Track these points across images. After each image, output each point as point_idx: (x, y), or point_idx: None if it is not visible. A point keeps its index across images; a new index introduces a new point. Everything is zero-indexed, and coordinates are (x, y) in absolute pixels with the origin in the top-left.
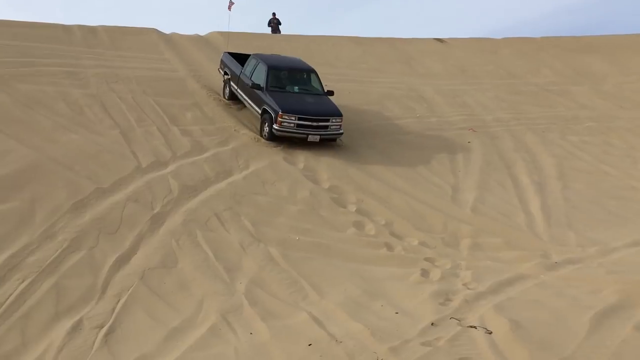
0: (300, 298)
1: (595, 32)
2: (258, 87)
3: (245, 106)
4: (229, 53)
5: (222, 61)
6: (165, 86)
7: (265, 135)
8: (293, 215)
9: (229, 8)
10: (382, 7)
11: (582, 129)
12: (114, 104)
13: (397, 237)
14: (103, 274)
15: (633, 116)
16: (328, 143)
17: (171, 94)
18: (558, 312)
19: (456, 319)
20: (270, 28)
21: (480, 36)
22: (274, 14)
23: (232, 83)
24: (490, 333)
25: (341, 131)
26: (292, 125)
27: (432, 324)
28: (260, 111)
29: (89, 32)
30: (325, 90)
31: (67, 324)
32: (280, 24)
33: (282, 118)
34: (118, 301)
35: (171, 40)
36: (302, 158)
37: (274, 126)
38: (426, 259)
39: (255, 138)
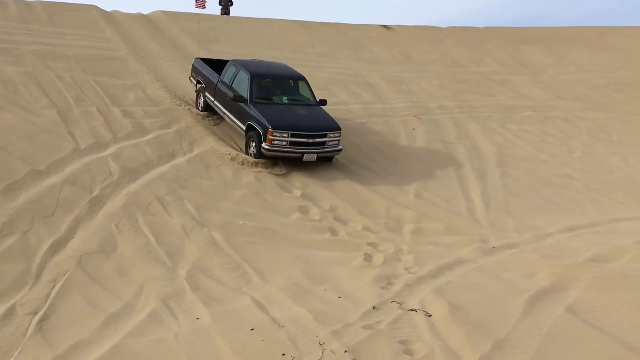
0: (243, 283)
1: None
2: (241, 99)
3: (224, 120)
4: (201, 59)
5: (193, 68)
6: (106, 66)
7: (252, 155)
8: (238, 199)
9: (203, 6)
10: None
11: (521, 118)
12: (51, 83)
13: (342, 222)
14: (38, 258)
15: (569, 107)
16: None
17: (112, 74)
18: (495, 295)
19: (397, 303)
20: (220, 8)
21: (427, 24)
22: None
23: (207, 94)
24: (430, 316)
25: (340, 147)
26: (284, 143)
27: (374, 307)
28: (244, 127)
29: (25, 8)
30: (318, 100)
31: None
32: (232, 4)
33: (273, 136)
34: (53, 287)
35: (113, 19)
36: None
37: (264, 145)
38: (370, 244)
39: (196, 117)
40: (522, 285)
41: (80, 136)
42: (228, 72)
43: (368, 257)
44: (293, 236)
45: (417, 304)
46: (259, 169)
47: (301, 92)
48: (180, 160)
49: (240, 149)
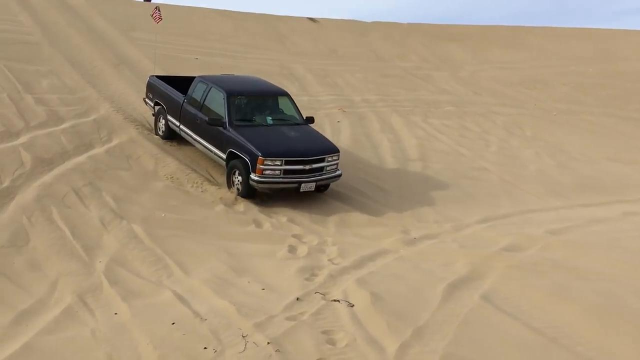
0: (164, 276)
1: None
2: (218, 122)
3: (190, 145)
4: (158, 77)
5: (149, 87)
6: (18, 50)
7: (237, 189)
8: (159, 191)
9: (156, 18)
10: None
11: (441, 112)
12: None
13: (266, 214)
14: None
15: (486, 102)
16: None
17: (25, 59)
18: (415, 284)
19: (321, 294)
20: None
21: (352, 18)
22: None
23: (169, 117)
24: (352, 306)
25: (339, 172)
26: (277, 172)
27: (297, 299)
28: (224, 156)
29: None
30: (304, 118)
31: None
32: None
33: (264, 164)
34: None
35: (26, 1)
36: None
37: (253, 177)
38: (294, 236)
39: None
40: (441, 275)
41: None
42: (196, 91)
43: (292, 249)
44: (216, 228)
45: (340, 294)
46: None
47: (285, 109)
48: (98, 150)
49: (212, 178)
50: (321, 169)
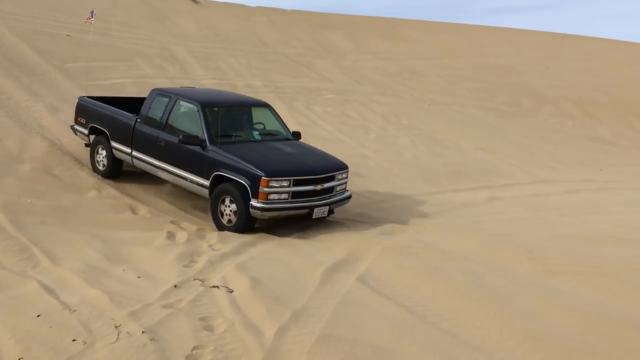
0: (30, 266)
1: (339, 11)
2: (195, 140)
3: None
4: (91, 97)
5: (81, 110)
6: None
7: (230, 222)
8: (25, 175)
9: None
10: None
11: (323, 100)
12: None
13: (142, 200)
14: None
15: (367, 91)
16: None
17: None
18: (294, 268)
19: (199, 280)
20: None
21: (235, 2)
22: None
23: (116, 144)
24: (232, 291)
25: (349, 193)
26: (285, 196)
27: (175, 286)
28: (206, 182)
29: None
30: (292, 132)
31: None
32: None
33: (268, 187)
34: None
35: None
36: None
37: (255, 203)
38: (172, 222)
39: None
40: (320, 258)
41: None
42: (154, 107)
43: (171, 235)
44: (89, 215)
45: (219, 280)
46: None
47: (269, 123)
48: None
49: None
50: (331, 189)
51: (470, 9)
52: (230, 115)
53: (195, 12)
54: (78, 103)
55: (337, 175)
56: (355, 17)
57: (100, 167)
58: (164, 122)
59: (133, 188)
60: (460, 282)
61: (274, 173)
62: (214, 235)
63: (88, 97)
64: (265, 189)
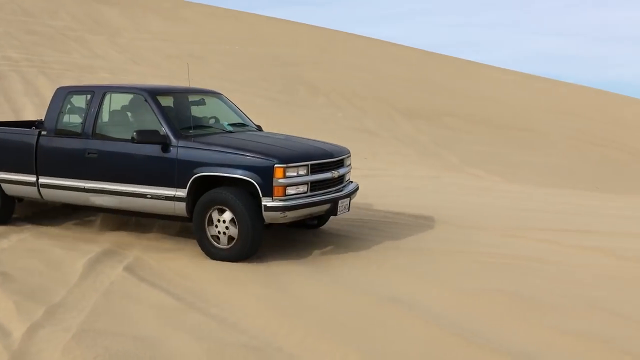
0: None
1: None
2: (154, 136)
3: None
4: None
5: None
6: None
7: (229, 243)
8: None
9: None
10: None
11: (97, 79)
12: None
13: None
14: None
15: (144, 72)
16: None
17: None
18: (53, 259)
19: None
20: None
21: None
22: None
23: (9, 176)
24: None
25: (356, 183)
26: (304, 188)
27: None
28: (182, 194)
29: None
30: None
31: None
32: None
33: (285, 177)
34: None
35: None
36: None
37: (270, 203)
38: None
39: None
40: (84, 248)
41: None
42: (70, 109)
43: None
44: None
45: None
46: None
47: (231, 114)
48: None
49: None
50: (343, 178)
51: None
52: (185, 105)
53: None
54: None
55: (345, 160)
56: None
57: None
58: (91, 127)
59: None
60: (230, 267)
61: (289, 158)
62: None
63: None
64: (282, 181)
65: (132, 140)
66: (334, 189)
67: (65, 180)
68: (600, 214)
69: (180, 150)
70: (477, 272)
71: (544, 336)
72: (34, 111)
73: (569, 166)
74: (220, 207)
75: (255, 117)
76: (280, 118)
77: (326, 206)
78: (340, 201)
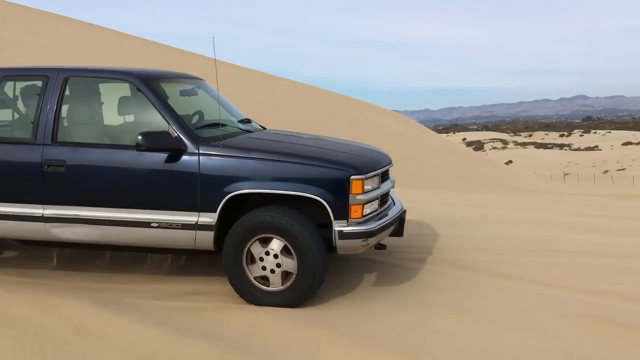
0: None
1: None
2: (165, 142)
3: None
4: None
5: None
6: None
7: (284, 284)
8: None
9: None
10: None
11: None
12: None
13: None
14: None
15: None
16: None
17: None
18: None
19: None
20: None
21: None
22: None
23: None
24: None
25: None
26: (376, 205)
27: None
28: (210, 220)
29: None
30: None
31: None
32: None
33: (364, 193)
34: None
35: None
36: None
37: (347, 229)
38: None
39: None
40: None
41: None
42: (8, 98)
43: None
44: None
45: None
46: None
47: (230, 107)
48: None
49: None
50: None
51: None
52: (185, 97)
53: None
54: None
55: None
56: None
57: None
58: (51, 129)
59: None
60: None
61: (366, 167)
62: None
63: None
64: (360, 197)
65: (137, 147)
66: (386, 205)
67: (10, 207)
68: None
69: (203, 159)
70: None
71: None
72: None
73: None
74: (267, 235)
75: None
76: None
77: (395, 222)
78: (402, 215)
